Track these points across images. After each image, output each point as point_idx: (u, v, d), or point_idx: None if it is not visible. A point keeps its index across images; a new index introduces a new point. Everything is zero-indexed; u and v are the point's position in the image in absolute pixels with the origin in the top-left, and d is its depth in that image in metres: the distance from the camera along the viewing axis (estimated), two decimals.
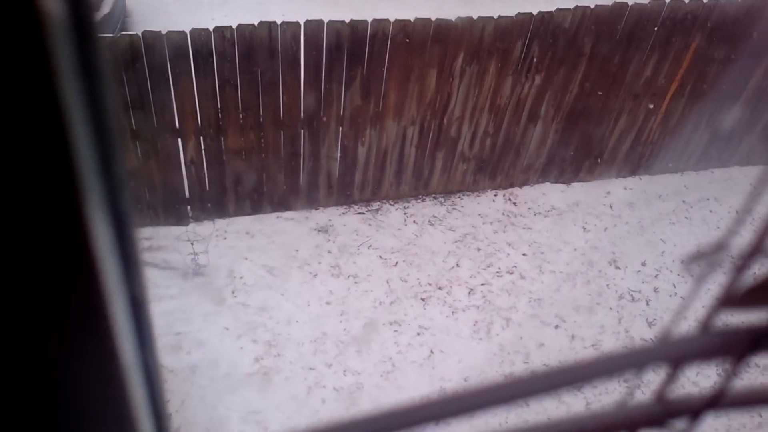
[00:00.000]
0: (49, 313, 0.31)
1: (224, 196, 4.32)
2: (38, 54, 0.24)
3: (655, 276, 4.52)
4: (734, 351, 0.33)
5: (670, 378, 0.36)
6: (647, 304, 4.31)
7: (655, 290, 4.41)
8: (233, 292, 3.98)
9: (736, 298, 0.31)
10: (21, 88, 0.24)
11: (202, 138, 4.00)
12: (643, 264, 4.60)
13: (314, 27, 3.79)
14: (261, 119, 4.03)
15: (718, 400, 0.35)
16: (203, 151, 4.06)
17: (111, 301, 0.32)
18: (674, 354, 0.34)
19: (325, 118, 4.16)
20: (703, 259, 0.32)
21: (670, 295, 4.36)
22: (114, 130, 0.29)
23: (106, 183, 0.30)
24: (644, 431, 0.36)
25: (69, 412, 0.36)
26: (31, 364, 0.33)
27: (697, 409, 0.35)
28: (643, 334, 4.11)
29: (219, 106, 3.89)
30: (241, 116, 3.97)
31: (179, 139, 3.96)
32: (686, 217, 5.05)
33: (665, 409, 0.35)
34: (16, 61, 0.23)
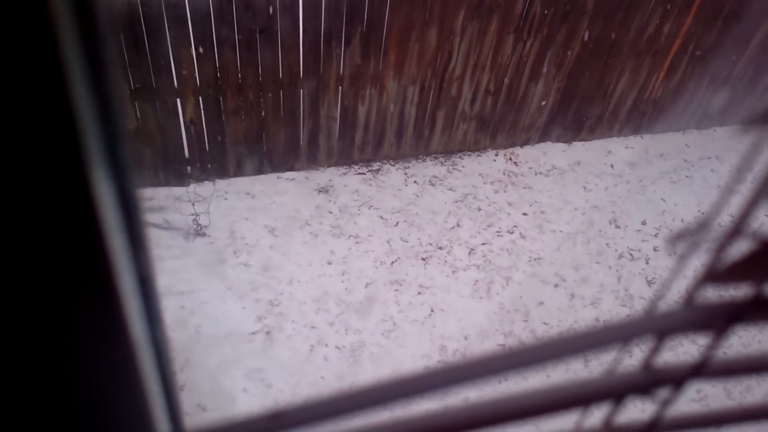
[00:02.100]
0: (63, 289, 0.32)
1: (224, 157, 4.31)
2: (40, 12, 0.24)
3: (655, 235, 4.54)
4: (716, 324, 0.35)
5: (656, 349, 0.37)
6: (647, 263, 4.34)
7: (655, 249, 4.43)
8: (235, 253, 4.01)
9: (718, 274, 0.33)
10: (23, 48, 0.24)
11: (201, 98, 3.97)
12: (644, 223, 4.61)
13: None
14: (260, 79, 3.99)
15: (700, 370, 0.36)
16: (202, 112, 4.04)
17: (121, 275, 0.33)
18: (660, 326, 0.35)
19: (324, 78, 4.12)
20: (687, 237, 0.33)
21: (670, 254, 4.39)
22: (116, 92, 0.29)
23: (110, 150, 0.30)
24: (631, 398, 0.37)
25: (85, 386, 0.37)
26: (47, 340, 0.34)
27: (680, 378, 0.37)
28: (642, 292, 4.15)
29: (217, 65, 3.85)
30: (239, 76, 3.93)
31: (178, 100, 3.94)
32: (687, 176, 5.05)
33: (651, 378, 0.37)
34: (17, 18, 0.23)
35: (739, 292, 0.34)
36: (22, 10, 0.23)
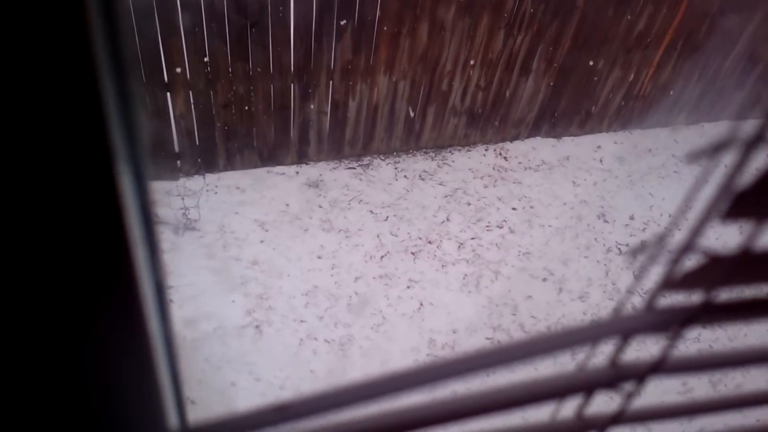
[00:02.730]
0: (89, 282, 0.34)
1: (214, 151, 4.31)
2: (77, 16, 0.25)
3: (643, 230, 4.58)
4: (672, 326, 0.39)
5: (621, 348, 0.42)
6: (634, 257, 4.38)
7: (643, 244, 4.46)
8: (225, 247, 4.01)
9: (673, 283, 0.37)
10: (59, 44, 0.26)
11: (191, 92, 3.96)
12: (632, 218, 4.65)
13: None
14: (250, 73, 3.99)
15: (659, 366, 0.41)
16: (192, 105, 4.03)
17: (141, 267, 0.35)
18: (624, 328, 0.40)
19: (315, 72, 4.12)
20: (644, 251, 0.38)
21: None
22: (133, 89, 0.31)
23: (130, 145, 0.32)
24: (600, 392, 0.40)
25: (105, 379, 0.39)
26: (72, 334, 0.36)
27: (642, 373, 0.42)
28: (629, 286, 4.19)
29: (208, 59, 3.84)
30: (230, 70, 3.93)
31: (168, 93, 3.93)
32: (675, 171, 5.09)
33: (617, 374, 0.42)
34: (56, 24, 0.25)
35: (691, 298, 0.38)
36: (61, 16, 0.25)
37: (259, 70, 3.99)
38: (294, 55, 4.00)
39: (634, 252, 0.39)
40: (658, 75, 5.02)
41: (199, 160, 4.31)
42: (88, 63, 0.26)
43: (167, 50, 3.74)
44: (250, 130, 4.29)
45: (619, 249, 4.42)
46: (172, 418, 0.45)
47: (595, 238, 4.48)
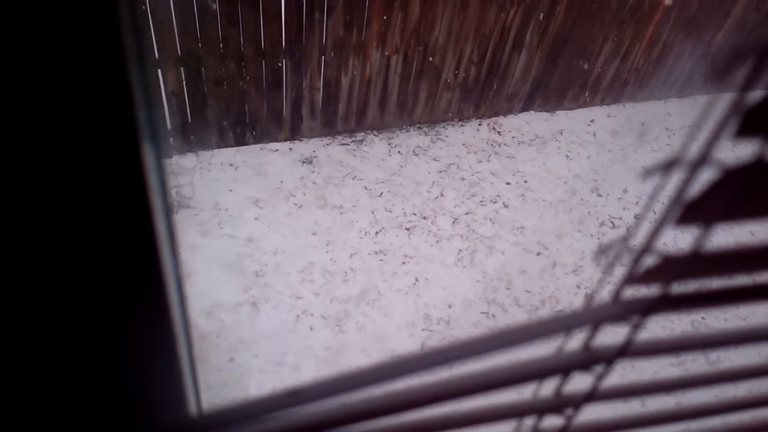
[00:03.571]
0: (120, 270, 0.36)
1: (207, 128, 4.30)
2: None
3: (636, 203, 4.60)
4: (636, 314, 0.45)
5: (592, 335, 0.48)
6: (627, 230, 4.41)
7: (636, 217, 4.50)
8: (219, 224, 4.02)
9: (635, 278, 0.42)
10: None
11: (182, 69, 3.94)
12: (625, 191, 4.67)
13: None
14: (242, 49, 3.97)
15: (626, 350, 0.48)
16: (184, 82, 4.01)
17: (165, 253, 0.37)
18: (594, 317, 0.45)
19: (307, 48, 4.10)
20: (609, 251, 0.43)
21: (650, 222, 4.45)
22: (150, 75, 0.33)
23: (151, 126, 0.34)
24: (575, 373, 0.44)
25: (134, 363, 0.43)
26: (104, 320, 0.38)
27: (611, 357, 0.48)
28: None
29: (199, 35, 3.82)
30: (221, 46, 3.90)
31: (159, 70, 3.91)
32: (668, 144, 5.10)
33: (589, 357, 0.47)
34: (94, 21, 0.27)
35: (650, 291, 0.44)
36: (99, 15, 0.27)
37: (250, 45, 3.97)
38: (285, 30, 3.97)
39: (601, 252, 0.44)
40: (651, 48, 5.01)
41: (192, 137, 4.30)
42: (119, 50, 0.28)
43: (157, 27, 3.71)
44: (243, 106, 4.27)
45: (612, 222, 4.45)
46: (191, 403, 0.48)
47: (589, 212, 4.50)
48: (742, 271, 0.43)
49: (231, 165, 4.36)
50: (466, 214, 4.34)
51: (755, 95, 0.32)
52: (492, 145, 4.86)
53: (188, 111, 4.15)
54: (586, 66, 4.97)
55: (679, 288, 0.42)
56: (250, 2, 3.77)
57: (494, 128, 4.98)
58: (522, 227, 4.33)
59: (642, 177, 4.21)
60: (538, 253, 4.20)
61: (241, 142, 4.46)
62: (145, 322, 0.40)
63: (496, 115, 5.06)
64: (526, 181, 4.63)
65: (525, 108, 5.12)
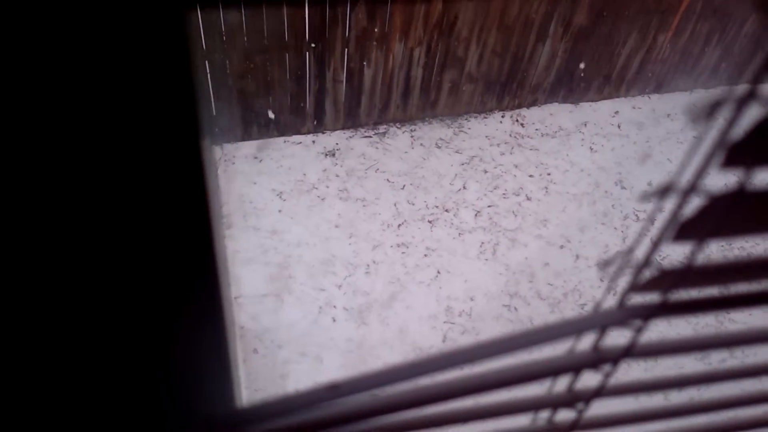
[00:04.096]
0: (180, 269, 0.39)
1: (231, 121, 4.35)
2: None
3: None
4: (639, 319, 0.50)
5: (600, 337, 0.52)
6: (652, 223, 4.37)
7: (660, 210, 4.46)
8: (244, 216, 4.07)
9: (638, 287, 0.47)
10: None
11: (207, 62, 3.99)
12: (650, 184, 4.63)
13: None
14: (266, 42, 4.00)
15: (630, 351, 0.52)
16: (208, 75, 4.06)
17: (222, 257, 0.41)
18: (602, 321, 0.50)
19: (330, 40, 4.12)
20: (615, 263, 0.47)
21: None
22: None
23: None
24: (585, 371, 0.46)
25: (191, 359, 0.47)
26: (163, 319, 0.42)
27: (617, 357, 0.52)
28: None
29: (223, 29, 3.86)
30: (245, 39, 3.94)
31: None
32: (694, 137, 5.04)
33: (598, 357, 0.52)
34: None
35: (652, 298, 0.49)
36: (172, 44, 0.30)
37: (274, 38, 4.00)
38: (309, 23, 3.99)
39: (605, 264, 0.49)
40: (677, 38, 4.95)
41: (217, 130, 4.35)
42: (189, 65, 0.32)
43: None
44: (267, 99, 4.31)
45: (636, 216, 4.42)
46: (239, 395, 0.52)
47: (613, 205, 4.47)
48: (734, 281, 0.48)
49: (255, 158, 4.40)
50: (489, 206, 4.34)
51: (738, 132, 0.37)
52: (515, 137, 4.84)
53: (213, 104, 4.20)
54: (610, 57, 4.92)
55: (676, 296, 0.47)
56: None
57: (517, 120, 4.97)
58: (545, 220, 4.32)
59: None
60: (561, 246, 4.19)
61: (265, 134, 4.50)
62: (203, 315, 0.43)
63: (519, 107, 5.04)
64: (549, 174, 4.61)
65: (549, 100, 5.09)
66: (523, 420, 0.65)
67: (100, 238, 0.35)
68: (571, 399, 0.54)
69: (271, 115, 4.39)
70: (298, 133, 4.58)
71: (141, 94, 0.31)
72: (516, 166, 4.62)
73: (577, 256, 4.15)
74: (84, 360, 0.42)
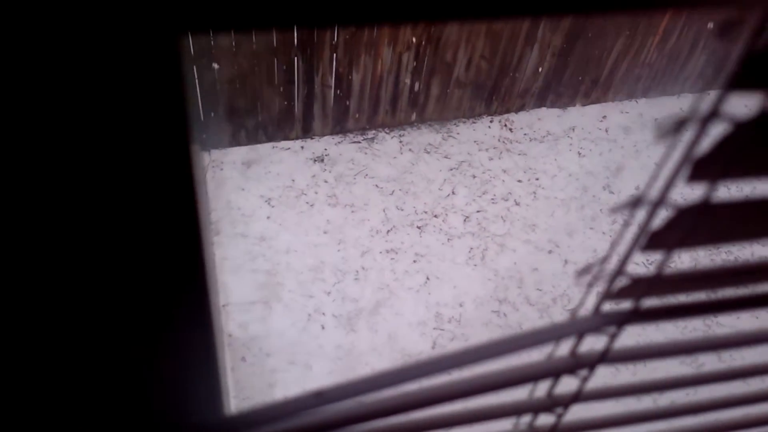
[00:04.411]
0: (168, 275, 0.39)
1: (219, 127, 4.33)
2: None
3: (649, 201, 4.57)
4: (613, 325, 0.51)
5: (577, 343, 0.53)
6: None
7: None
8: (232, 223, 4.05)
9: (612, 294, 0.49)
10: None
11: (194, 67, 3.97)
12: (637, 188, 4.65)
13: None
14: (254, 47, 3.99)
15: (605, 357, 0.54)
16: (196, 81, 4.05)
17: (210, 261, 0.40)
18: (578, 328, 0.51)
19: (318, 45, 4.11)
20: (590, 271, 0.49)
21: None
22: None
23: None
24: (563, 376, 0.47)
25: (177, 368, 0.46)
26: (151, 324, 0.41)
27: (594, 362, 0.53)
28: (635, 258, 4.20)
29: (211, 34, 3.84)
30: (233, 44, 3.93)
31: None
32: (682, 141, 5.06)
33: (575, 362, 0.53)
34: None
35: (625, 305, 0.51)
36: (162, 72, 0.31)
37: (262, 44, 3.99)
38: (297, 28, 3.98)
39: (581, 273, 0.51)
40: (664, 43, 4.98)
41: (204, 136, 4.34)
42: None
43: None
44: (255, 105, 4.30)
45: (624, 220, 4.43)
46: (226, 405, 0.52)
47: (601, 209, 4.49)
48: (702, 289, 0.51)
49: (243, 163, 4.39)
50: (478, 212, 4.35)
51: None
52: (503, 142, 4.85)
53: (200, 109, 4.19)
54: (598, 62, 4.95)
55: (647, 303, 0.50)
56: None
57: (506, 125, 4.98)
58: (533, 225, 4.32)
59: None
60: (550, 251, 4.20)
61: (253, 140, 4.49)
62: (191, 322, 0.43)
63: (507, 111, 5.06)
64: (537, 179, 4.62)
65: (537, 104, 5.11)
66: (505, 424, 0.64)
67: (90, 244, 0.35)
68: (550, 404, 0.55)
69: (260, 120, 4.38)
70: (287, 138, 4.57)
71: (129, 101, 0.32)
72: (504, 171, 4.63)
73: (566, 261, 4.15)
74: (72, 366, 0.42)
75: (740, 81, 0.34)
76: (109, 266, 0.37)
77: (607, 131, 5.07)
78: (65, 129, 0.31)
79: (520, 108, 5.08)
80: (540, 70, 4.85)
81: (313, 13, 0.29)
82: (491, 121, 4.99)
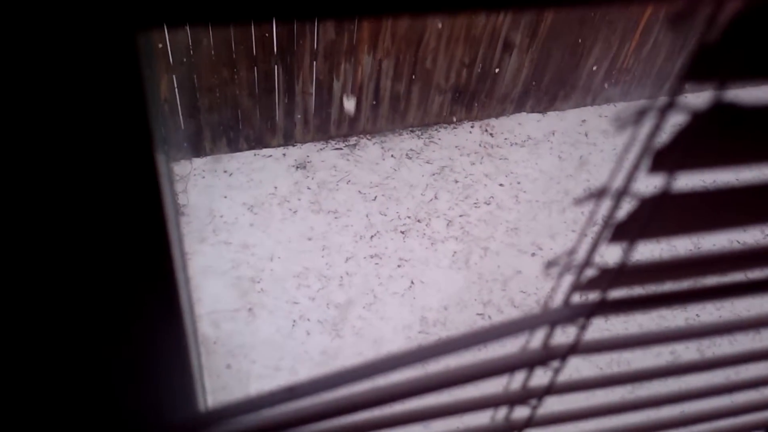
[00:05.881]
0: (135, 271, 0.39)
1: (200, 135, 4.32)
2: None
3: (629, 203, 4.62)
4: (583, 316, 0.53)
5: (549, 334, 0.55)
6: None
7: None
8: (214, 231, 4.04)
9: (582, 285, 0.50)
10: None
11: (174, 76, 3.96)
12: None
13: None
14: (234, 55, 3.99)
15: (575, 348, 0.55)
16: (176, 89, 4.03)
17: (177, 258, 0.40)
18: (549, 319, 0.53)
19: (298, 53, 4.12)
20: (559, 263, 0.51)
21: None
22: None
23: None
24: (536, 368, 0.48)
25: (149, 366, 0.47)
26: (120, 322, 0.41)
27: (564, 354, 0.55)
28: (616, 258, 4.24)
29: (191, 42, 3.84)
30: (213, 53, 3.93)
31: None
32: (659, 143, 5.12)
33: (547, 354, 0.54)
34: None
35: (593, 297, 0.53)
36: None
37: (242, 52, 3.99)
38: (277, 36, 3.99)
39: (550, 264, 0.52)
40: (641, 47, 5.04)
41: (186, 144, 4.32)
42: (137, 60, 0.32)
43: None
44: (236, 113, 4.29)
45: (605, 222, 4.47)
46: (200, 401, 0.52)
47: (582, 212, 4.53)
48: (666, 279, 0.52)
49: (225, 171, 4.38)
50: (461, 216, 4.36)
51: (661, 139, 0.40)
52: (485, 147, 4.88)
53: (181, 118, 4.17)
54: (576, 66, 5.00)
55: (614, 294, 0.51)
56: None
57: (487, 130, 5.01)
58: (516, 228, 4.35)
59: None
60: (533, 254, 4.22)
61: (234, 148, 4.48)
62: (160, 322, 0.43)
63: (488, 117, 5.09)
64: (519, 183, 4.65)
65: (517, 109, 5.15)
66: (481, 417, 0.65)
67: (56, 243, 0.35)
68: (524, 396, 0.55)
69: (241, 128, 4.37)
70: (268, 146, 4.57)
71: (86, 101, 0.31)
72: (486, 176, 4.66)
73: (549, 264, 4.17)
74: (42, 366, 0.42)
75: (694, 72, 0.35)
76: (76, 266, 0.37)
77: (586, 135, 5.12)
78: (24, 131, 0.31)
79: (501, 113, 5.12)
80: (519, 75, 4.89)
81: (287, 7, 0.29)
82: (472, 127, 5.02)
